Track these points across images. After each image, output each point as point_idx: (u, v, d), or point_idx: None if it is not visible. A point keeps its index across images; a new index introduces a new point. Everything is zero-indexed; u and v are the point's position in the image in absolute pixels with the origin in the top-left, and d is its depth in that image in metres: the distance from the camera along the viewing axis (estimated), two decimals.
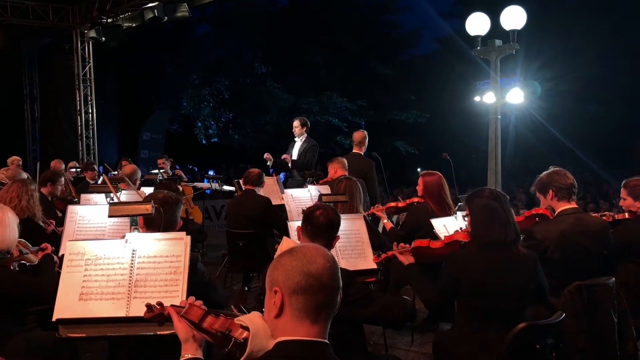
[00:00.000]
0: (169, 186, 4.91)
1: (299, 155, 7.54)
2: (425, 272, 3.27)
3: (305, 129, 7.69)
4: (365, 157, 7.22)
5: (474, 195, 3.05)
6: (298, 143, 7.66)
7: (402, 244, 3.50)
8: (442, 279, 3.01)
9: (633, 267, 3.67)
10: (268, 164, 7.66)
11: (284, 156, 7.61)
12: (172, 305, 1.90)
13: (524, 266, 2.89)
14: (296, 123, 7.72)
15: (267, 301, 1.68)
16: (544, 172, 3.61)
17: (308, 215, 2.87)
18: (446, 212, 4.58)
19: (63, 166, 9.03)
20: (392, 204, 5.30)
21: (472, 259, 2.90)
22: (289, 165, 7.55)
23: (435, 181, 4.75)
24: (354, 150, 7.12)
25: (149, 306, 1.97)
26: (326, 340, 1.64)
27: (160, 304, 1.96)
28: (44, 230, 4.47)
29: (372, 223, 5.05)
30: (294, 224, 3.48)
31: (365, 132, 7.26)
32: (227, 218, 5.86)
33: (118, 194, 5.04)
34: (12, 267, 3.24)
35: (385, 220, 4.99)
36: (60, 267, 3.31)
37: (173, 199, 3.13)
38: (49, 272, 3.30)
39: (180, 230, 3.05)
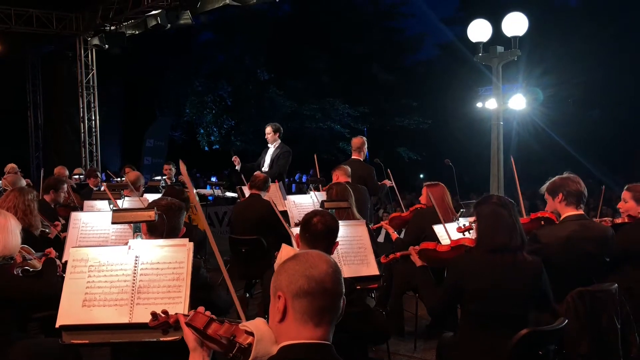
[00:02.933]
0: (179, 193, 4.92)
1: (271, 162, 7.46)
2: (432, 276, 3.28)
3: (278, 134, 7.56)
4: (364, 162, 7.20)
5: (481, 201, 3.06)
6: (271, 149, 7.53)
7: (414, 247, 3.51)
8: (445, 284, 3.02)
9: (636, 272, 3.67)
10: (237, 167, 7.62)
11: (233, 158, 7.59)
12: (179, 314, 1.91)
13: (529, 272, 2.89)
14: (268, 129, 7.60)
15: (272, 307, 1.69)
16: (558, 176, 3.60)
17: (306, 222, 2.86)
18: (449, 218, 4.58)
19: (67, 172, 9.05)
20: (396, 215, 5.30)
21: (475, 264, 2.91)
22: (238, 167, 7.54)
23: (439, 192, 4.76)
24: (353, 157, 7.10)
25: (153, 314, 1.97)
26: (329, 342, 1.65)
27: (165, 312, 1.96)
28: (44, 237, 4.45)
29: (372, 232, 5.05)
30: (296, 230, 3.48)
31: (364, 138, 7.23)
32: (233, 222, 5.86)
33: (121, 201, 5.06)
34: (15, 273, 3.25)
35: (392, 231, 4.98)
36: (64, 272, 3.32)
37: (176, 205, 3.14)
38: (50, 277, 3.31)
39: (183, 236, 3.07)
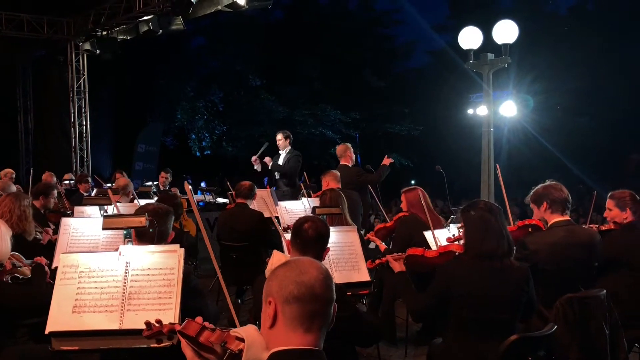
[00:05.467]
0: (171, 198, 4.90)
1: (283, 167, 7.64)
2: (419, 283, 3.29)
3: (288, 141, 7.79)
4: (353, 167, 7.27)
5: (468, 207, 3.08)
6: (282, 155, 7.75)
7: (396, 253, 3.52)
8: (431, 289, 3.02)
9: (622, 278, 3.70)
10: (255, 167, 7.75)
11: (266, 158, 7.75)
12: (173, 324, 1.90)
13: (516, 278, 2.91)
14: (279, 136, 7.80)
15: (263, 313, 1.70)
16: (540, 185, 3.65)
17: (297, 228, 2.86)
18: (434, 222, 4.60)
19: (54, 179, 8.98)
20: (381, 226, 5.33)
21: (462, 270, 2.92)
22: (269, 167, 7.70)
23: (417, 196, 4.79)
24: (341, 163, 7.20)
25: (147, 324, 1.96)
26: (319, 348, 1.65)
27: (159, 321, 1.96)
28: (37, 244, 4.43)
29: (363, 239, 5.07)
30: (287, 236, 3.48)
31: (347, 144, 7.41)
32: (219, 230, 5.82)
33: (112, 207, 5.04)
34: (4, 280, 3.23)
35: (379, 242, 5.00)
36: (52, 278, 3.30)
37: (163, 210, 3.12)
38: (39, 283, 3.28)
39: (173, 241, 3.06)
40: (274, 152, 7.97)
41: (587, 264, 3.46)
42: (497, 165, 4.73)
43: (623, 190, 4.09)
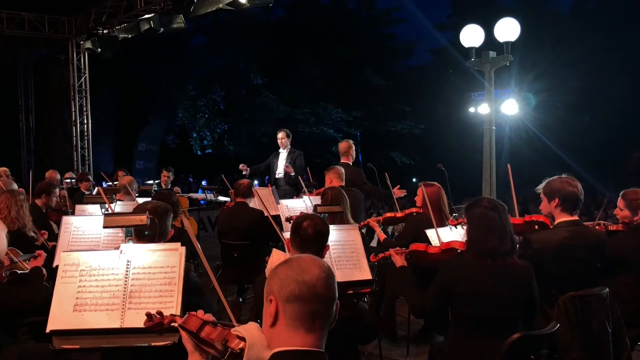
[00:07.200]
0: (167, 197, 4.89)
1: (289, 165, 7.64)
2: (421, 279, 3.28)
3: (290, 139, 7.84)
4: (353, 166, 7.25)
5: (472, 204, 3.05)
6: (284, 154, 7.76)
7: (398, 248, 3.51)
8: (433, 286, 3.00)
9: (626, 278, 3.67)
10: (244, 173, 7.75)
11: (241, 166, 7.78)
12: (174, 316, 1.90)
13: (519, 276, 2.89)
14: (282, 134, 7.83)
15: (264, 311, 1.69)
16: (556, 177, 3.51)
17: (296, 226, 2.84)
18: (444, 223, 4.58)
19: (58, 176, 8.98)
20: (390, 214, 5.29)
21: (465, 267, 2.90)
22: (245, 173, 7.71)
23: (435, 192, 4.75)
24: (341, 161, 7.15)
25: (149, 315, 1.96)
26: (322, 350, 1.64)
27: (160, 312, 1.95)
28: (35, 241, 4.43)
29: (366, 234, 5.05)
30: (288, 235, 3.47)
31: (350, 142, 7.28)
32: (220, 229, 5.81)
33: (113, 205, 5.03)
34: (3, 276, 3.22)
35: (378, 231, 4.98)
36: (50, 277, 3.30)
37: (162, 208, 3.12)
38: (37, 284, 3.28)
39: (172, 239, 3.05)
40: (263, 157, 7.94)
41: (590, 265, 3.40)
42: (508, 165, 4.60)
43: (636, 189, 3.99)
